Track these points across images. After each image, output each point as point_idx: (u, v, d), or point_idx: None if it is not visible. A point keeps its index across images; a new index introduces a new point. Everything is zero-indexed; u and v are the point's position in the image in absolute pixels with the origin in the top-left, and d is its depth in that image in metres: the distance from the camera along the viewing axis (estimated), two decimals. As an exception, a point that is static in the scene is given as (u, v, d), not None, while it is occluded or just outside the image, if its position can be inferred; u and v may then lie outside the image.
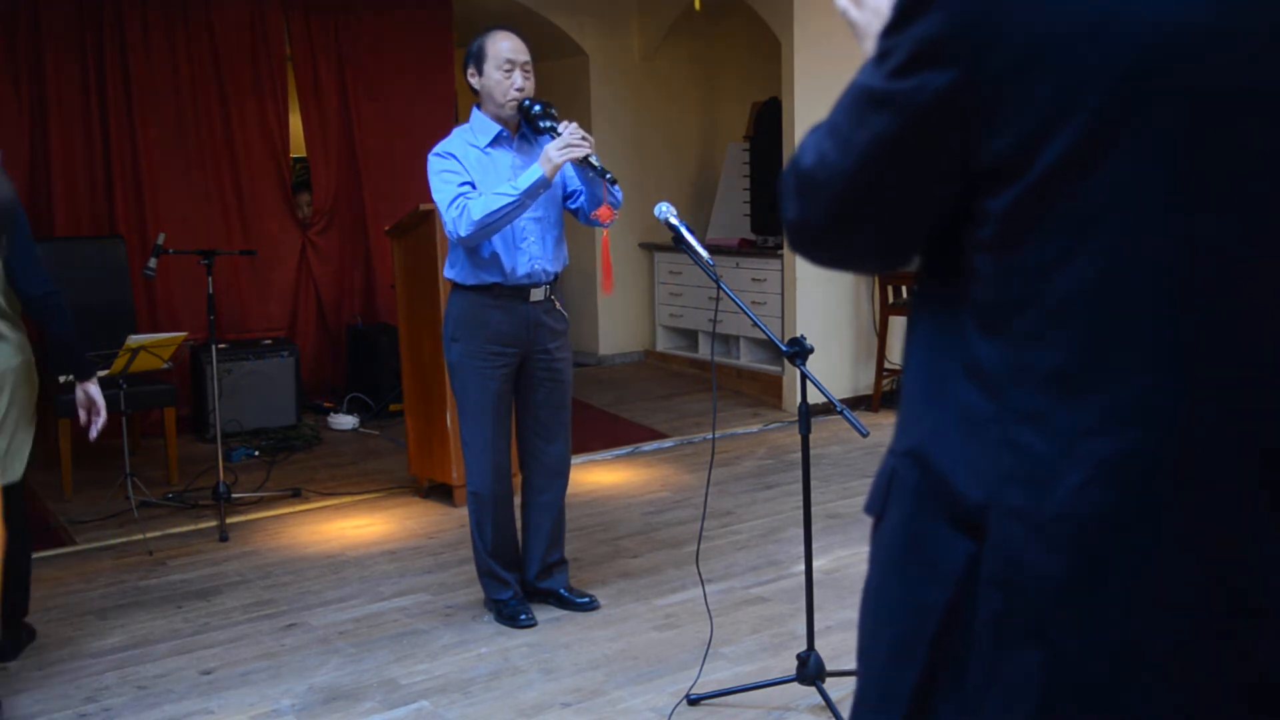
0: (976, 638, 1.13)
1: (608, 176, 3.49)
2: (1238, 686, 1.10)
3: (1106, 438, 1.07)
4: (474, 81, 3.66)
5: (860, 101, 1.14)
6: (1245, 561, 1.08)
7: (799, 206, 1.22)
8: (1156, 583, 1.08)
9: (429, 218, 4.77)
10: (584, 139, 3.44)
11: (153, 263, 5.03)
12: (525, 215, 3.57)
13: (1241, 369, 1.07)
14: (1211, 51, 1.03)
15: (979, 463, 1.13)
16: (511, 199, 3.43)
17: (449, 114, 7.42)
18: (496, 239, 3.57)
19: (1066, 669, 1.09)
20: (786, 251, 6.60)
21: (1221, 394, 1.07)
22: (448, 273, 3.73)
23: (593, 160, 3.46)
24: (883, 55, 1.12)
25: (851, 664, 3.34)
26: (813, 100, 6.31)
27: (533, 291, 3.66)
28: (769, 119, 7.07)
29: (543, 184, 3.45)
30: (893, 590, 1.22)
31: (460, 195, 3.49)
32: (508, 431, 3.76)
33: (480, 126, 3.67)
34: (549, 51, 8.01)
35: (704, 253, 3.25)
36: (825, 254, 1.28)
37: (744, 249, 7.34)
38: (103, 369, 4.80)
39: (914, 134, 1.11)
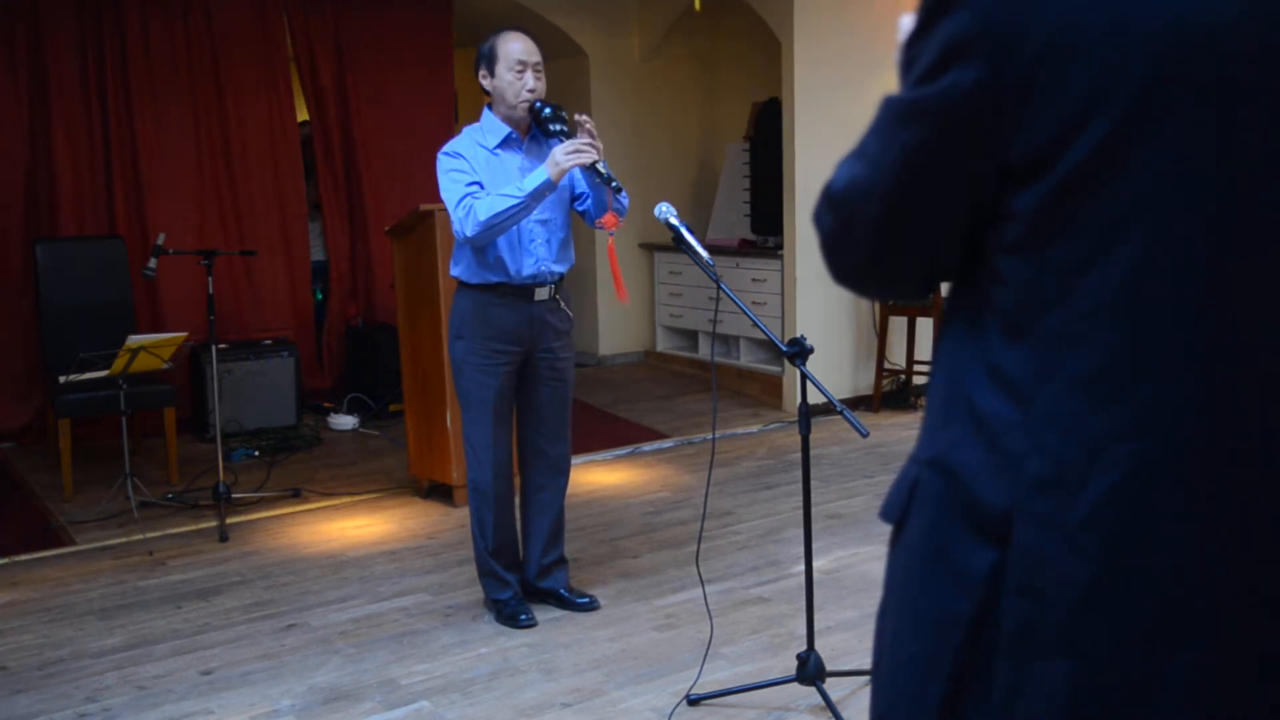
0: (1002, 647, 1.11)
1: (614, 184, 3.48)
2: (1269, 695, 1.08)
3: (1136, 442, 1.05)
4: (485, 83, 3.66)
5: (888, 119, 1.13)
6: (1277, 567, 1.06)
7: (837, 239, 1.20)
8: (1186, 589, 1.05)
9: (429, 218, 4.77)
10: (592, 145, 3.44)
11: (153, 263, 5.03)
12: (532, 218, 3.58)
13: (1273, 370, 1.05)
14: (1240, 47, 1.02)
15: (1004, 469, 1.10)
16: (516, 201, 3.44)
17: (449, 114, 7.41)
18: (502, 240, 3.58)
19: (1096, 678, 1.07)
20: (786, 251, 6.60)
21: (1252, 396, 1.05)
22: (453, 270, 3.74)
23: (600, 167, 3.46)
24: (908, 64, 1.11)
25: (851, 664, 3.34)
26: (813, 100, 6.31)
27: (537, 291, 3.66)
28: (769, 119, 7.06)
29: (548, 187, 3.45)
30: (917, 601, 1.19)
31: (468, 195, 3.50)
32: (509, 429, 3.76)
33: (490, 127, 3.67)
34: (549, 51, 7.96)
35: (704, 253, 3.24)
36: (872, 281, 1.26)
37: (744, 249, 7.34)
38: (103, 369, 4.82)
39: (947, 137, 1.09)
